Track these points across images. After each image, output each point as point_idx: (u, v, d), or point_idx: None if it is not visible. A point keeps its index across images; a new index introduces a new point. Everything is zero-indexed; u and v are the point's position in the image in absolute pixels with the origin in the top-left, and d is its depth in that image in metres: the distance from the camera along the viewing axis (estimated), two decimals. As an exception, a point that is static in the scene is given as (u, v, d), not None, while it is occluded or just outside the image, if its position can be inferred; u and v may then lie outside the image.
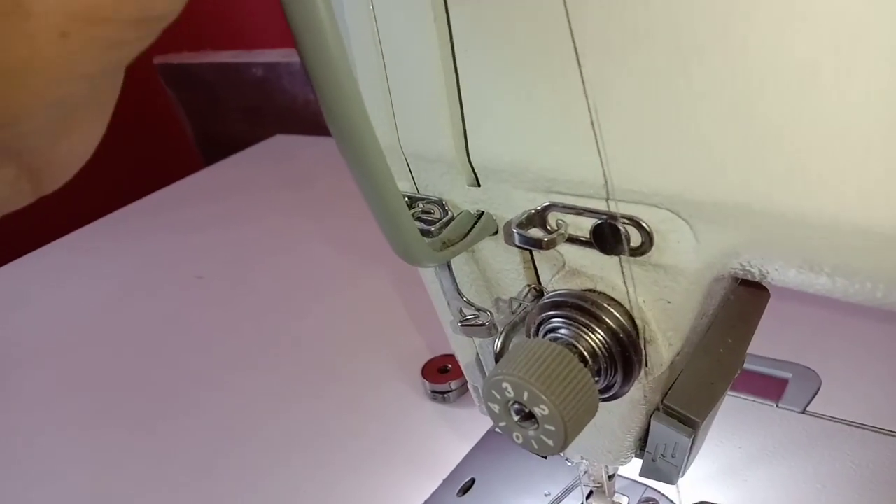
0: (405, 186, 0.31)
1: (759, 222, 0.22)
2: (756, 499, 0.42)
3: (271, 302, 0.77)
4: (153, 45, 0.16)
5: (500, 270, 0.31)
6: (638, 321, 0.26)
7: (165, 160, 1.53)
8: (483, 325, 0.32)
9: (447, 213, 0.29)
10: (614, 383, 0.27)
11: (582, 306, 0.26)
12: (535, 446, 0.25)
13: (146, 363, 0.70)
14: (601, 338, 0.26)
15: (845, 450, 0.44)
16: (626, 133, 0.23)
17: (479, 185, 0.28)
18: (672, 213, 0.23)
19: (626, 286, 0.26)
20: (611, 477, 0.41)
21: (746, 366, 0.53)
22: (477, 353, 0.35)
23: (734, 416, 0.48)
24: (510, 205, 0.27)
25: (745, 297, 0.35)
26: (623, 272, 0.26)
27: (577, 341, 0.26)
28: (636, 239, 0.24)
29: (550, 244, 0.25)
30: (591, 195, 0.25)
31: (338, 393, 0.60)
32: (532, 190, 0.26)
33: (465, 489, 0.48)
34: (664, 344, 0.27)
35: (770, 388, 0.50)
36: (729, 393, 0.51)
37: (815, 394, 0.49)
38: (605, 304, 0.26)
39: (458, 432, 0.53)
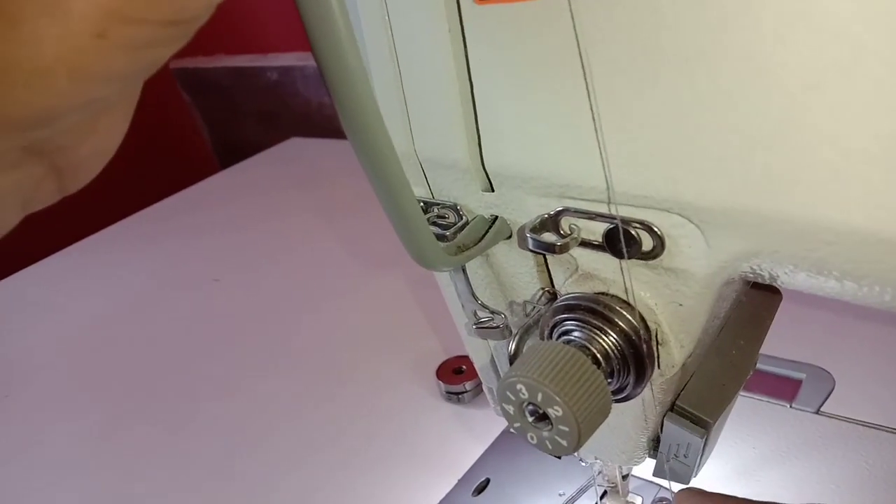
0: (420, 192, 0.31)
1: (769, 228, 0.22)
2: (771, 498, 0.43)
3: (287, 304, 0.78)
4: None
5: (514, 274, 0.31)
6: (650, 324, 0.27)
7: (182, 165, 1.55)
8: (497, 327, 0.32)
9: (462, 218, 0.30)
10: (627, 385, 0.27)
11: (595, 309, 0.27)
12: (550, 447, 0.25)
13: (164, 366, 0.71)
14: (614, 340, 0.27)
15: (859, 450, 0.44)
16: (637, 141, 0.23)
17: (492, 191, 0.29)
18: (683, 219, 0.24)
19: (624, 280, 0.26)
20: (625, 477, 0.42)
21: (760, 366, 0.53)
22: (492, 355, 0.36)
23: (748, 416, 0.48)
24: (523, 210, 0.28)
25: (758, 299, 0.35)
26: (623, 274, 0.26)
27: (591, 343, 0.27)
28: (648, 243, 0.25)
29: (564, 248, 0.26)
30: (604, 200, 0.25)
31: (353, 394, 0.61)
32: (545, 195, 0.27)
33: (480, 489, 0.48)
34: (676, 346, 0.27)
35: (784, 388, 0.50)
36: (743, 393, 0.51)
37: (829, 394, 0.49)
38: (618, 307, 0.27)
39: (472, 433, 0.53)
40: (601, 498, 0.43)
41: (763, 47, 0.20)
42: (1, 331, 0.84)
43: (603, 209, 0.25)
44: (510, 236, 0.30)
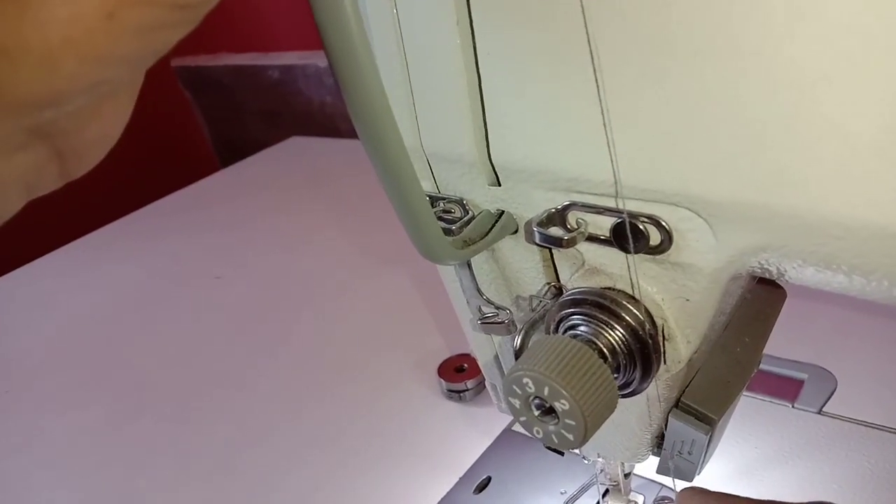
0: (426, 186, 0.31)
1: (778, 223, 0.22)
2: (774, 498, 0.43)
3: (288, 302, 0.78)
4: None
5: (520, 269, 0.31)
6: (657, 319, 0.27)
7: (182, 164, 1.55)
8: (502, 322, 0.32)
9: (468, 213, 0.30)
10: (633, 380, 0.27)
11: (601, 304, 0.27)
12: (556, 441, 0.25)
13: (165, 362, 0.71)
14: (620, 335, 0.27)
15: (862, 451, 0.44)
16: (646, 135, 0.23)
17: (499, 185, 0.29)
18: (692, 213, 0.24)
19: (630, 276, 0.26)
20: (627, 475, 0.42)
21: (762, 366, 0.53)
22: (496, 352, 0.36)
23: (750, 416, 0.48)
24: (530, 204, 0.28)
25: (762, 296, 0.35)
26: (630, 269, 0.26)
27: (597, 338, 0.26)
28: (655, 238, 0.25)
29: (571, 242, 0.26)
30: (612, 195, 0.25)
31: (354, 392, 0.61)
32: (552, 189, 0.27)
33: (482, 487, 0.48)
34: (682, 341, 0.27)
35: (786, 388, 0.50)
36: (745, 393, 0.51)
37: (832, 395, 0.49)
38: (625, 302, 0.27)
39: (474, 431, 0.53)
40: (603, 496, 0.43)
41: (773, 41, 0.20)
42: (1, 326, 0.84)
43: (610, 203, 0.25)
44: (516, 231, 0.30)
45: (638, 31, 0.22)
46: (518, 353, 0.29)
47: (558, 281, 0.30)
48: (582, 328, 0.27)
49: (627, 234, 0.25)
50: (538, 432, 0.26)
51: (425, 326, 0.68)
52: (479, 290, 0.33)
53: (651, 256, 0.26)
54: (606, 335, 0.26)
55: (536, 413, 0.25)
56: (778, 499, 0.43)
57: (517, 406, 0.26)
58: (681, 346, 0.27)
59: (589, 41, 0.22)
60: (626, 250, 0.26)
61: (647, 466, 0.46)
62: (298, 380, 0.64)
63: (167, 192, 1.14)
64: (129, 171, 1.41)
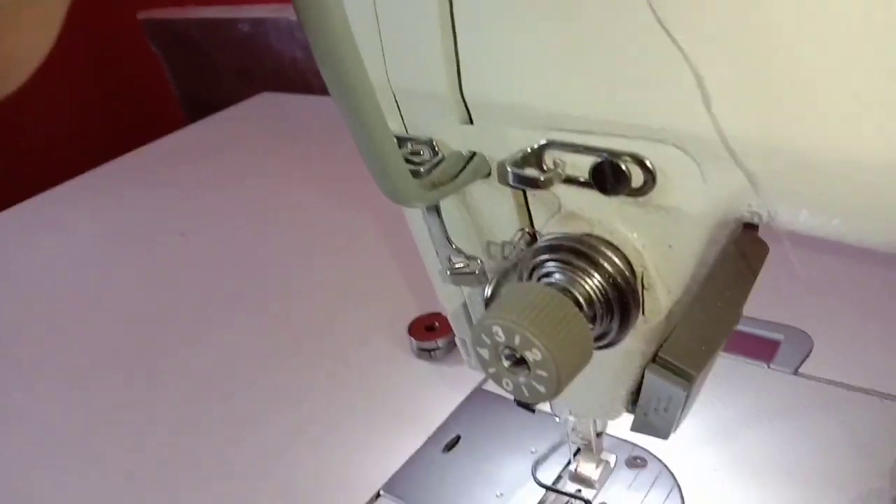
0: (393, 126, 0.29)
1: (772, 161, 0.20)
2: (748, 459, 0.42)
3: (255, 259, 0.76)
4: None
5: (492, 217, 0.29)
6: (636, 267, 0.25)
7: (149, 120, 1.50)
8: (473, 272, 0.30)
9: (437, 154, 0.28)
10: (609, 331, 0.26)
11: (578, 249, 0.25)
12: (526, 393, 0.24)
13: (129, 320, 0.69)
14: (598, 283, 0.25)
15: (837, 412, 0.44)
16: (634, 67, 0.21)
17: (471, 123, 0.27)
18: (679, 151, 0.22)
19: (608, 221, 0.25)
20: (599, 434, 0.41)
21: (738, 327, 0.52)
22: (465, 303, 0.34)
23: (726, 376, 0.48)
24: (504, 144, 0.26)
25: (745, 251, 0.34)
26: (608, 213, 0.25)
27: (573, 286, 0.25)
28: (638, 179, 0.23)
29: (547, 183, 0.24)
30: (592, 132, 0.23)
31: (324, 350, 0.59)
32: (529, 127, 0.25)
33: (451, 446, 0.47)
34: (663, 291, 0.25)
35: (762, 349, 0.50)
36: (720, 354, 0.50)
37: (808, 356, 0.48)
38: (603, 248, 0.25)
39: (444, 390, 0.52)
40: (574, 455, 0.42)
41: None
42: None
43: (591, 142, 0.24)
44: (489, 174, 0.28)
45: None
46: (489, 304, 0.28)
47: (532, 227, 0.28)
48: (557, 276, 0.25)
49: (607, 176, 0.23)
50: (508, 384, 0.24)
51: (396, 285, 0.66)
52: (448, 240, 0.31)
53: (633, 199, 0.24)
54: (582, 283, 0.25)
55: (506, 364, 0.24)
56: (750, 459, 0.43)
57: (486, 357, 0.24)
58: (661, 297, 0.25)
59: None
60: (605, 193, 0.24)
61: (620, 426, 0.45)
62: (267, 336, 0.62)
63: (130, 150, 1.10)
64: (93, 127, 1.36)
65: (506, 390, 0.24)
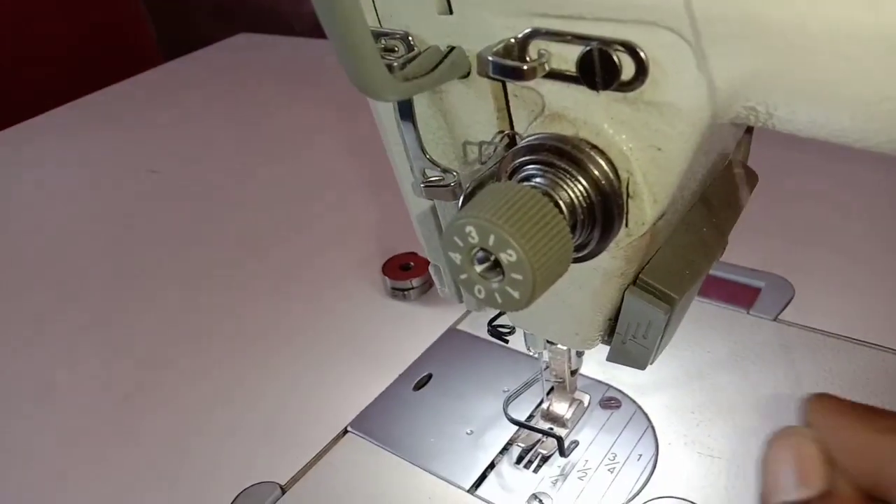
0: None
1: (777, 42, 0.18)
2: (722, 402, 0.41)
3: (227, 197, 0.73)
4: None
5: (471, 122, 0.27)
6: (622, 172, 0.23)
7: (124, 59, 1.45)
8: (448, 185, 0.28)
9: (413, 49, 0.26)
10: (590, 240, 0.24)
11: (561, 150, 0.23)
12: (499, 300, 0.22)
13: (97, 256, 0.66)
14: (581, 188, 0.23)
15: (816, 358, 0.43)
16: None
17: (451, 12, 0.24)
18: (674, 35, 0.20)
19: (594, 117, 0.23)
20: (573, 372, 0.39)
21: (719, 273, 0.51)
22: (438, 225, 0.32)
23: (704, 321, 0.46)
24: (486, 35, 0.24)
25: (735, 177, 0.32)
26: (595, 110, 0.23)
27: (554, 190, 0.23)
28: (629, 70, 0.21)
29: (530, 73, 0.22)
30: (581, 16, 0.21)
31: (296, 289, 0.57)
32: (513, 14, 0.23)
33: (421, 384, 0.46)
34: (649, 200, 0.24)
35: (742, 295, 0.48)
36: (699, 299, 0.49)
37: (788, 303, 0.47)
38: (587, 150, 0.23)
39: (417, 330, 0.50)
40: (547, 394, 0.41)
41: None
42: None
43: (579, 28, 0.22)
44: (468, 74, 0.26)
45: None
46: (463, 210, 0.26)
47: (513, 131, 0.26)
48: (537, 179, 0.23)
49: (596, 65, 0.21)
50: (480, 292, 0.22)
51: (371, 224, 0.64)
52: (423, 150, 0.29)
53: (622, 95, 0.22)
54: (564, 187, 0.23)
55: (479, 268, 0.22)
56: (727, 402, 0.42)
57: (458, 261, 0.22)
58: (646, 206, 0.24)
59: None
60: (593, 87, 0.22)
61: (595, 366, 0.44)
62: (239, 275, 0.60)
63: (103, 87, 1.06)
64: (65, 66, 1.31)
65: (477, 298, 0.22)
